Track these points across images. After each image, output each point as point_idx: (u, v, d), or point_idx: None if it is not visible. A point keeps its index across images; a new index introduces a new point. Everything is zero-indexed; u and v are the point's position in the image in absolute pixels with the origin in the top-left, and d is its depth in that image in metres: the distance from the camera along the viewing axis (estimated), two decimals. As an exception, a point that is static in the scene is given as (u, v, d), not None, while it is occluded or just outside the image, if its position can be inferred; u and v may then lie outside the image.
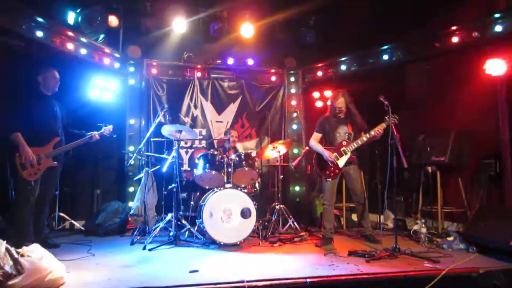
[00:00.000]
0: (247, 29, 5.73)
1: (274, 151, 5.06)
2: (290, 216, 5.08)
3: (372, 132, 4.25)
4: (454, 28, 4.82)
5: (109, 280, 2.99)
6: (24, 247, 2.87)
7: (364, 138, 4.30)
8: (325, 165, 4.36)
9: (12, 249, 2.75)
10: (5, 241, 2.77)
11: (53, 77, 4.19)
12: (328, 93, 6.33)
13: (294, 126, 6.49)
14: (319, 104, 6.49)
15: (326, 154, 4.33)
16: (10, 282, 2.57)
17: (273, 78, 6.61)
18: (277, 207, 5.07)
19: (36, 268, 2.71)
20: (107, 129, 4.57)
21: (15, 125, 3.89)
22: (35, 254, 2.81)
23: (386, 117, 4.10)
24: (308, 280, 2.91)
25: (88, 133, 4.40)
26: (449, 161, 4.75)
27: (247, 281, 2.85)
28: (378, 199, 6.01)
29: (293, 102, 6.50)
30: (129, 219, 5.26)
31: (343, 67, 6.14)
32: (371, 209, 5.93)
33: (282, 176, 5.25)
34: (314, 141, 4.53)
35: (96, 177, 5.98)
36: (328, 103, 4.77)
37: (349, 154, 4.33)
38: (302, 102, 6.52)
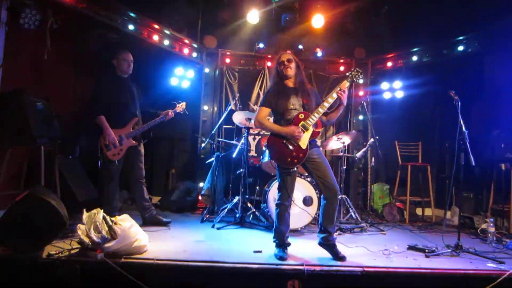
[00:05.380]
0: (317, 20, 5.77)
1: (339, 142, 5.16)
2: (351, 207, 5.18)
3: (334, 94, 3.34)
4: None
5: (184, 252, 3.36)
6: (117, 216, 3.35)
7: (326, 104, 3.34)
8: (283, 149, 3.33)
9: (107, 217, 3.19)
10: (102, 210, 3.29)
11: (125, 59, 4.28)
12: (397, 84, 6.21)
13: (360, 117, 6.48)
14: (387, 95, 6.38)
15: (287, 131, 3.31)
16: (106, 245, 2.99)
17: (341, 68, 6.61)
18: (338, 197, 5.17)
19: (126, 235, 3.09)
20: (180, 106, 4.58)
21: (98, 109, 4.13)
22: (125, 223, 3.23)
23: (347, 73, 3.48)
24: (365, 269, 3.02)
25: (163, 111, 4.47)
26: (525, 159, 4.52)
27: (306, 265, 3.05)
28: (446, 194, 5.89)
29: (361, 93, 6.47)
30: (200, 198, 5.74)
31: (415, 58, 5.98)
32: (437, 204, 5.86)
33: (345, 167, 5.34)
34: (263, 118, 3.47)
35: (171, 157, 6.56)
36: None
37: (311, 130, 3.34)
38: (369, 93, 6.47)
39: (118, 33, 5.10)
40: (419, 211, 6.05)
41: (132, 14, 5.14)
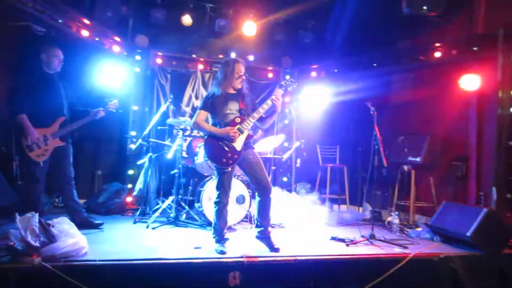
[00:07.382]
0: (249, 27, 6.10)
1: (269, 144, 5.50)
2: (279, 204, 5.56)
3: (269, 101, 3.56)
4: (437, 44, 5.36)
5: (124, 252, 3.36)
6: (54, 219, 3.25)
7: (261, 110, 3.57)
8: (219, 150, 3.52)
9: (43, 220, 3.07)
10: (37, 213, 3.15)
11: (56, 56, 4.08)
12: (320, 93, 6.79)
13: (286, 122, 6.99)
14: (311, 102, 6.94)
15: (222, 131, 3.51)
16: (44, 249, 2.90)
17: (270, 75, 7.06)
18: (271, 194, 5.49)
19: (65, 238, 3.04)
20: (113, 103, 4.44)
21: (19, 107, 3.85)
22: (63, 225, 3.17)
23: (282, 82, 3.75)
24: (297, 258, 3.40)
25: (93, 110, 4.30)
26: (423, 162, 5.30)
27: (246, 257, 3.32)
28: (358, 192, 6.65)
29: (287, 99, 6.97)
30: (129, 200, 5.65)
31: (336, 70, 6.65)
32: (351, 201, 6.58)
33: (274, 168, 5.72)
34: (200, 121, 3.63)
35: (97, 158, 6.31)
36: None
37: (246, 133, 3.57)
38: (295, 100, 6.99)
39: (44, 26, 4.80)
40: (335, 207, 6.70)
41: (62, 7, 4.90)
